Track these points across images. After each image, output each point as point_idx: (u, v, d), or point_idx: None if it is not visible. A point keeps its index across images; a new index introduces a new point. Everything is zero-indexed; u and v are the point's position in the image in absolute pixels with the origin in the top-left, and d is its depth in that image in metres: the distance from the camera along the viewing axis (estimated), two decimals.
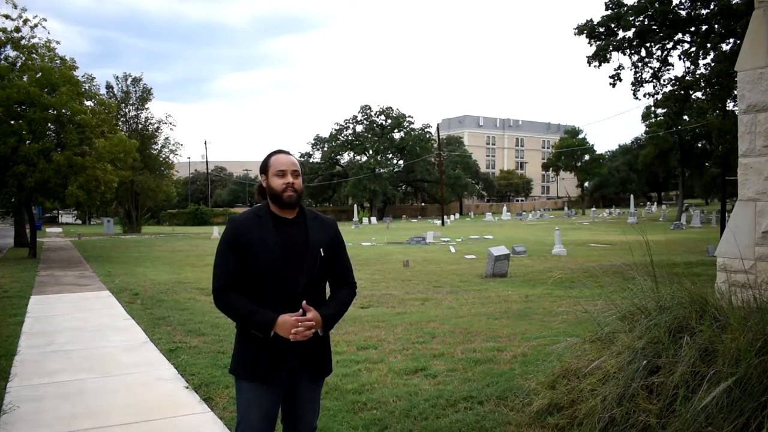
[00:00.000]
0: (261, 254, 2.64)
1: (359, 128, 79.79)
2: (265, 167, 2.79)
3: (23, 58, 20.58)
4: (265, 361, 2.65)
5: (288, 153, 2.82)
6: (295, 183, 2.71)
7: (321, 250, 2.73)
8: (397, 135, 78.68)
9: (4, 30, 20.79)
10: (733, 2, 14.88)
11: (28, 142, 19.22)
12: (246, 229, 2.69)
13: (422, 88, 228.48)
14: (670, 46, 17.16)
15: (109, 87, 43.98)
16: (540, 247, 23.83)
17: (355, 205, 65.98)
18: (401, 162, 79.31)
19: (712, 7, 15.85)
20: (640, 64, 17.32)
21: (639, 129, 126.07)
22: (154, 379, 5.70)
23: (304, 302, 2.63)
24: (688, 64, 17.22)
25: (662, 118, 46.73)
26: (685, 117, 39.52)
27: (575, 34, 17.16)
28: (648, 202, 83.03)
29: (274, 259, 2.63)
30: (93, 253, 22.75)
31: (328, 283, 2.86)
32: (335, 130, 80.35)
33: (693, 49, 16.70)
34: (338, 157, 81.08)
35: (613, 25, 16.63)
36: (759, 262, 4.71)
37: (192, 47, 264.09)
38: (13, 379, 5.65)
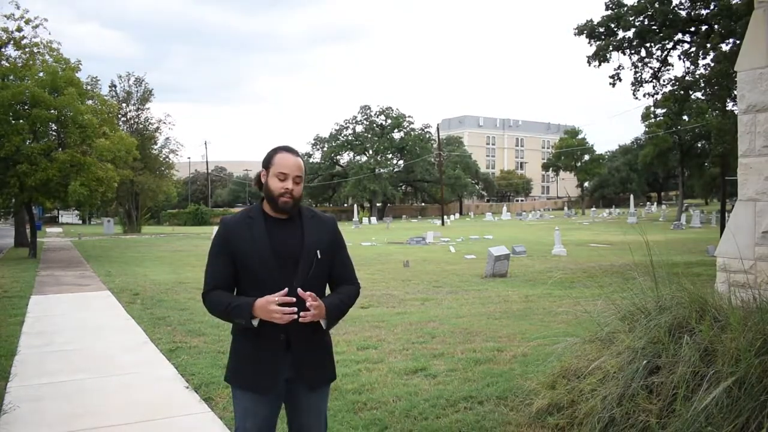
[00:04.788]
0: (251, 258, 2.52)
1: (359, 128, 79.78)
2: (268, 163, 2.59)
3: (24, 59, 20.61)
4: (258, 372, 2.54)
5: (295, 153, 2.60)
6: (294, 190, 2.54)
7: (317, 251, 2.58)
8: (397, 135, 78.66)
9: (5, 29, 20.85)
10: (733, 2, 14.90)
11: (29, 141, 19.25)
12: (237, 231, 2.57)
13: (422, 88, 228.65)
14: (669, 46, 17.19)
15: (112, 86, 44.14)
16: (540, 247, 23.83)
17: (355, 205, 66.01)
18: (401, 162, 79.30)
19: (711, 7, 15.87)
20: (639, 64, 17.35)
21: (639, 129, 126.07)
22: (154, 379, 5.70)
23: (309, 292, 2.47)
24: (687, 64, 17.27)
25: (662, 118, 46.80)
26: (685, 117, 39.64)
27: (575, 35, 17.19)
28: (648, 202, 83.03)
29: (265, 262, 2.50)
30: (93, 253, 22.74)
31: (328, 286, 2.73)
32: (335, 130, 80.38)
33: (693, 49, 16.72)
34: (338, 157, 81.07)
35: (613, 26, 16.65)
36: (759, 262, 4.71)
37: (201, 49, 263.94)
38: (13, 379, 5.65)
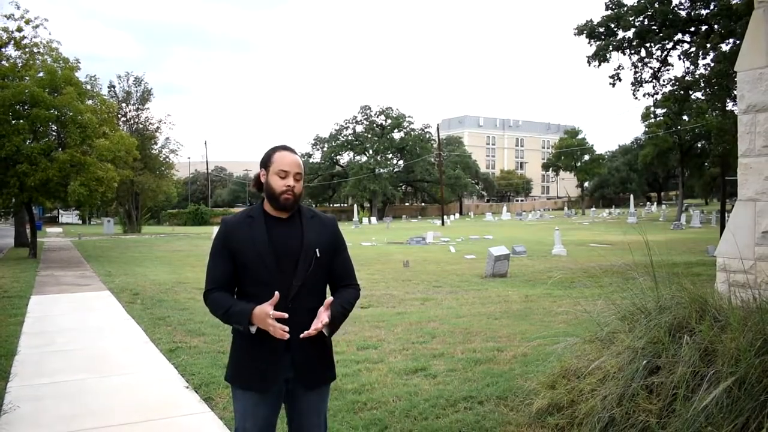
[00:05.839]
0: (251, 258, 2.54)
1: (359, 128, 79.83)
2: (267, 162, 2.62)
3: (25, 59, 20.63)
4: (259, 371, 2.55)
5: (293, 151, 2.64)
6: (295, 187, 2.57)
7: (317, 251, 2.60)
8: (397, 135, 78.68)
9: (6, 29, 20.87)
10: (733, 3, 14.90)
11: (29, 141, 19.25)
12: (237, 231, 2.59)
13: (422, 88, 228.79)
14: (669, 46, 17.19)
15: (111, 86, 44.12)
16: (540, 247, 23.83)
17: (355, 205, 66.04)
18: (401, 162, 79.33)
19: (711, 7, 15.87)
20: (639, 64, 17.35)
21: (639, 129, 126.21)
22: (154, 379, 5.71)
23: (329, 300, 2.56)
24: (687, 64, 17.27)
25: (662, 118, 46.75)
26: (685, 117, 39.55)
27: (575, 35, 17.19)
28: (648, 202, 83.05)
29: (265, 262, 2.53)
30: (93, 253, 22.74)
31: (328, 286, 2.74)
32: (335, 130, 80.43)
33: (693, 49, 16.71)
34: (338, 157, 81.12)
35: (613, 26, 16.65)
36: (759, 262, 4.71)
37: (194, 47, 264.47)
38: (14, 379, 5.65)
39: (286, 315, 2.44)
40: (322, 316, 2.52)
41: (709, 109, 25.50)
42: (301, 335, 2.47)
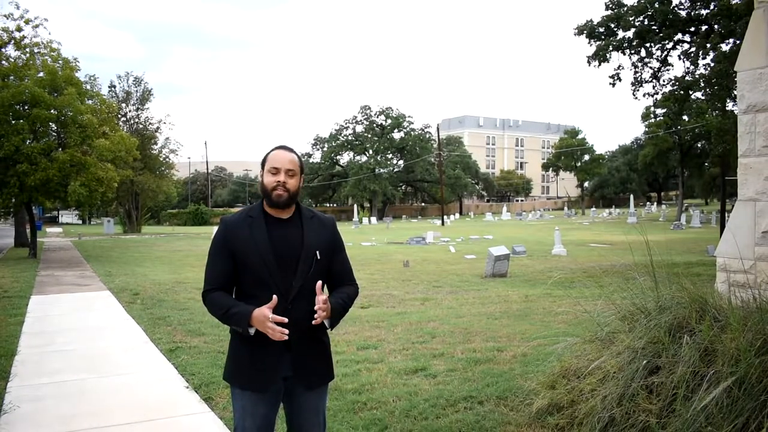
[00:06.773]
0: (251, 257, 2.53)
1: (359, 128, 79.86)
2: (263, 162, 2.64)
3: (25, 59, 20.62)
4: (257, 370, 2.55)
5: (289, 150, 2.64)
6: (287, 182, 2.56)
7: (317, 252, 2.60)
8: (397, 135, 78.71)
9: (5, 29, 20.87)
10: (733, 3, 14.90)
11: (29, 141, 19.25)
12: (236, 230, 2.58)
13: (422, 88, 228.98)
14: (669, 46, 17.20)
15: (111, 86, 44.10)
16: (540, 247, 23.83)
17: (355, 205, 66.04)
18: (401, 162, 79.36)
19: (711, 7, 15.88)
20: (639, 64, 17.36)
21: (639, 129, 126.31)
22: (154, 379, 5.71)
23: (319, 283, 2.53)
24: (687, 64, 17.27)
25: (662, 118, 46.79)
26: (685, 117, 39.63)
27: (575, 35, 17.20)
28: (648, 202, 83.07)
29: (265, 261, 2.52)
30: (93, 253, 22.74)
31: (326, 286, 2.74)
32: (335, 130, 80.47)
33: (693, 49, 16.72)
34: (338, 157, 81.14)
35: (613, 26, 16.65)
36: (759, 262, 4.71)
37: (194, 47, 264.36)
38: (14, 379, 5.65)
39: (286, 320, 2.44)
40: (319, 299, 2.49)
41: (709, 109, 25.54)
42: (313, 322, 2.49)
